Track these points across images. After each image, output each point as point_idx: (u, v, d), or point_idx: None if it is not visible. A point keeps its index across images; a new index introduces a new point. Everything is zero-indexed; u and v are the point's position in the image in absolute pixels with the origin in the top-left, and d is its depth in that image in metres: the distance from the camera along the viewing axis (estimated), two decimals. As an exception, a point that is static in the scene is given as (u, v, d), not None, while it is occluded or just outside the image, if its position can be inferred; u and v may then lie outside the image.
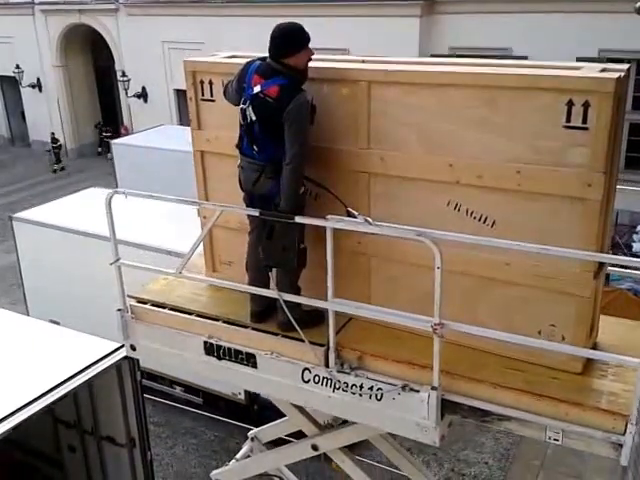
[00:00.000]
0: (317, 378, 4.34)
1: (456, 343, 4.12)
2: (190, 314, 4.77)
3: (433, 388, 3.94)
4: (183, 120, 23.67)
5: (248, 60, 4.29)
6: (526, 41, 16.17)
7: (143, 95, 24.01)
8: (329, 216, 3.98)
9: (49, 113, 26.75)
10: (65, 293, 12.61)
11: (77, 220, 12.62)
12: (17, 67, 25.91)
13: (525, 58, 16.52)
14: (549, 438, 3.91)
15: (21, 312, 10.97)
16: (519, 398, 3.86)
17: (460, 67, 4.03)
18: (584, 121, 3.56)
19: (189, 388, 11.12)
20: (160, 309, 4.86)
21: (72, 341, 8.43)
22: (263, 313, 4.56)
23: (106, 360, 7.72)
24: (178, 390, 11.75)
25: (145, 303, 4.94)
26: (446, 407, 4.05)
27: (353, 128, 4.21)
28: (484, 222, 3.99)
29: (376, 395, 4.16)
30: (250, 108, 4.16)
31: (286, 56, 4.12)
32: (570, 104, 3.58)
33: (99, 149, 26.15)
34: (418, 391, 4.03)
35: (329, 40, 14.88)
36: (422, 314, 3.85)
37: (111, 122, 26.66)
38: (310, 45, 4.15)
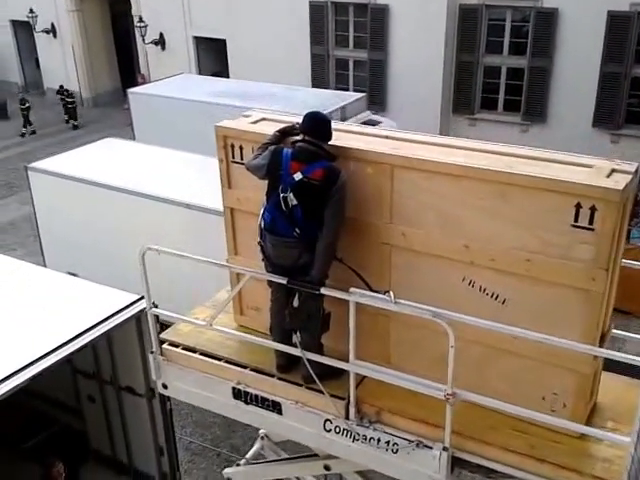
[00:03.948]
0: (338, 429, 4.74)
1: (467, 401, 4.51)
2: (219, 360, 5.14)
3: (445, 448, 4.35)
4: (202, 69, 23.59)
5: (276, 147, 4.55)
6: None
7: (161, 42, 23.50)
8: (352, 289, 4.33)
9: (64, 60, 26.33)
10: (82, 245, 12.57)
11: (94, 171, 12.55)
12: (31, 11, 25.40)
13: (556, 10, 17.13)
14: (547, 496, 4.34)
15: (38, 264, 10.84)
16: (523, 461, 4.27)
17: (476, 154, 4.31)
18: (590, 222, 3.88)
19: None
20: (191, 353, 5.24)
21: (90, 293, 8.42)
22: (288, 366, 4.93)
23: (125, 312, 7.77)
24: None
25: (177, 346, 5.30)
26: (456, 462, 4.47)
27: (377, 203, 4.52)
28: (496, 299, 4.33)
29: (392, 449, 4.58)
30: (291, 194, 4.40)
31: (327, 140, 4.44)
32: (578, 206, 3.89)
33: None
34: (431, 448, 4.44)
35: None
36: (438, 374, 4.22)
37: (127, 70, 26.33)
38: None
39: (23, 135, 24.03)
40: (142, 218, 11.74)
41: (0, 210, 18.86)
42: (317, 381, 4.66)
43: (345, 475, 5.92)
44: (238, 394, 5.05)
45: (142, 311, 7.71)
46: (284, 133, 4.66)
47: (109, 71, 27.00)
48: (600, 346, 4.25)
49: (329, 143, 4.50)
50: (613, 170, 4.01)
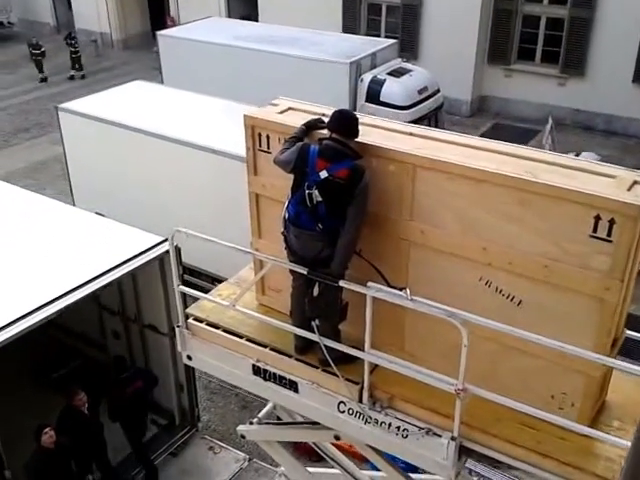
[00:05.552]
0: (351, 411, 4.94)
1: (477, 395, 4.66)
2: (241, 337, 5.34)
3: (453, 438, 4.53)
4: (232, 12, 23.43)
5: (303, 144, 4.62)
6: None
7: (191, -15, 23.13)
8: (370, 284, 4.46)
9: (95, 1, 26.33)
10: (110, 186, 12.76)
11: (122, 113, 12.63)
12: (63, -48, 25.21)
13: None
14: (549, 489, 4.52)
15: (67, 203, 11.21)
16: (529, 454, 4.44)
17: (499, 158, 4.34)
18: (609, 234, 3.93)
19: None
20: (214, 329, 5.43)
21: (117, 233, 8.77)
22: (306, 348, 5.10)
23: (150, 252, 8.14)
24: None
25: (201, 322, 5.50)
26: (463, 451, 4.66)
27: (398, 200, 4.59)
28: (511, 300, 4.43)
29: (402, 434, 4.77)
30: (316, 191, 4.50)
31: (354, 138, 4.50)
32: (597, 218, 3.93)
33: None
34: (440, 436, 4.62)
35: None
36: (451, 364, 4.36)
37: (157, 13, 26.17)
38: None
39: (43, 80, 23.89)
40: (168, 162, 11.87)
41: (32, 150, 19.16)
42: (333, 365, 4.83)
43: (355, 445, 6.14)
44: (257, 371, 5.25)
45: (166, 253, 7.98)
46: (310, 127, 4.71)
47: (140, 14, 26.93)
48: (612, 350, 4.35)
49: (356, 140, 4.55)
50: (635, 182, 4.03)
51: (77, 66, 24.18)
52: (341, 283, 4.57)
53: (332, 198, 4.49)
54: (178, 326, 5.54)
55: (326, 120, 4.75)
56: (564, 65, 18.63)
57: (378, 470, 6.13)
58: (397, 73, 15.65)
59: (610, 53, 17.65)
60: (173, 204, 11.95)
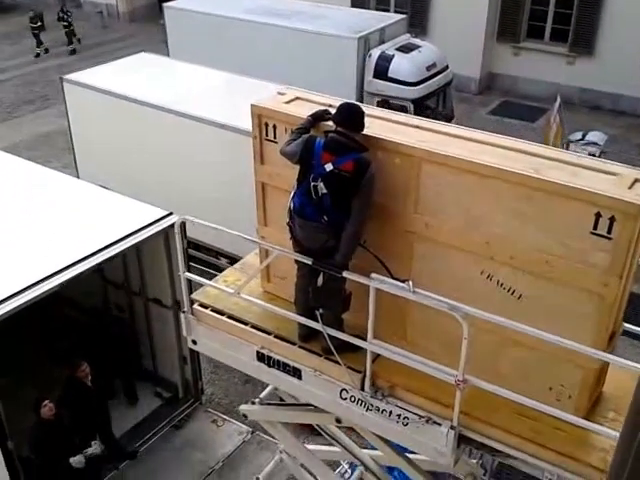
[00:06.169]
0: (353, 398, 5.04)
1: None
2: (245, 324, 5.42)
3: (452, 427, 4.63)
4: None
5: (309, 136, 4.66)
6: None
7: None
8: (373, 275, 4.52)
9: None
10: (114, 159, 12.79)
11: (127, 85, 12.60)
12: None
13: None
14: (545, 477, 4.63)
15: (72, 176, 11.15)
16: (525, 444, 4.54)
17: (505, 153, 4.38)
18: (609, 231, 3.98)
19: (234, 260, 10.97)
20: (219, 316, 5.52)
21: (121, 206, 8.76)
22: (310, 336, 5.19)
23: (154, 226, 8.12)
24: (223, 261, 11.86)
25: (206, 308, 5.58)
26: (462, 439, 4.75)
27: (403, 193, 4.64)
28: (512, 294, 4.49)
29: (403, 422, 4.87)
30: (321, 184, 4.55)
31: (360, 131, 4.53)
32: (598, 215, 3.98)
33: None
34: (440, 425, 4.72)
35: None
36: (452, 354, 4.44)
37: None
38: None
39: (38, 56, 23.84)
40: (174, 135, 11.86)
41: (36, 122, 19.17)
42: (335, 354, 4.92)
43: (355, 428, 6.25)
44: (262, 357, 5.35)
45: (171, 226, 7.91)
46: (316, 118, 4.75)
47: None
48: (609, 344, 4.43)
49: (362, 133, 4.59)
50: (636, 180, 4.07)
51: (72, 41, 24.15)
52: (345, 274, 4.64)
53: (337, 191, 4.54)
54: (183, 312, 5.62)
55: (332, 112, 4.79)
56: (573, 44, 18.51)
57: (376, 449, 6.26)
58: (406, 49, 15.53)
59: (619, 33, 17.52)
60: (178, 178, 11.96)
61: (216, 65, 13.58)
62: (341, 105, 4.66)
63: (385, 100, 15.24)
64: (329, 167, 4.51)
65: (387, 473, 6.77)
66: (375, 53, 15.33)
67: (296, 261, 4.98)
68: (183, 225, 6.19)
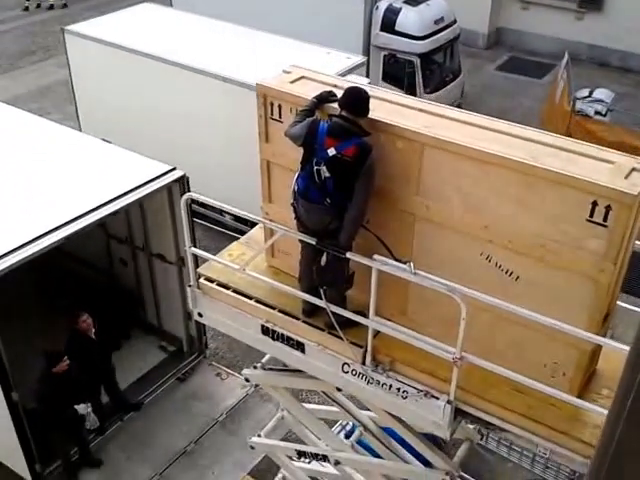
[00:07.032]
0: (354, 372, 5.21)
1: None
2: (250, 298, 5.57)
3: (449, 401, 4.81)
4: None
5: (313, 119, 4.71)
6: None
7: None
8: (375, 256, 4.65)
9: None
10: (117, 112, 12.67)
11: (129, 37, 12.44)
12: None
13: None
14: (539, 452, 4.83)
15: (73, 129, 11.08)
16: (520, 419, 4.72)
17: (506, 139, 4.44)
18: (604, 219, 4.08)
19: (238, 218, 10.68)
20: (224, 290, 5.66)
21: (124, 161, 8.71)
22: (313, 311, 5.33)
23: (158, 181, 8.12)
24: (228, 218, 12.07)
25: (212, 281, 5.72)
26: (459, 412, 4.94)
27: (405, 175, 4.72)
28: (510, 275, 4.61)
29: (402, 395, 5.05)
30: (324, 168, 4.63)
31: (364, 116, 4.58)
32: (594, 204, 4.07)
33: None
34: (437, 398, 4.90)
35: None
36: (450, 332, 4.60)
37: None
38: None
39: (27, 9, 23.46)
40: (178, 88, 11.74)
41: (38, 73, 19.03)
42: (338, 329, 5.08)
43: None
44: (266, 331, 5.51)
45: (174, 182, 7.96)
46: (321, 100, 4.80)
47: None
48: (603, 325, 4.57)
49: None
50: (633, 169, 4.14)
51: None
52: (348, 255, 4.76)
53: (340, 175, 4.62)
54: (189, 285, 5.77)
55: (337, 92, 4.84)
56: (582, -1, 18.23)
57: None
58: (414, 2, 15.34)
59: (630, -13, 17.23)
60: (182, 132, 11.86)
61: (221, 16, 13.37)
62: (347, 89, 4.70)
63: (392, 54, 15.14)
64: (332, 152, 4.59)
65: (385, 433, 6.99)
66: (382, 5, 15.17)
67: (300, 240, 5.09)
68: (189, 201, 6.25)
